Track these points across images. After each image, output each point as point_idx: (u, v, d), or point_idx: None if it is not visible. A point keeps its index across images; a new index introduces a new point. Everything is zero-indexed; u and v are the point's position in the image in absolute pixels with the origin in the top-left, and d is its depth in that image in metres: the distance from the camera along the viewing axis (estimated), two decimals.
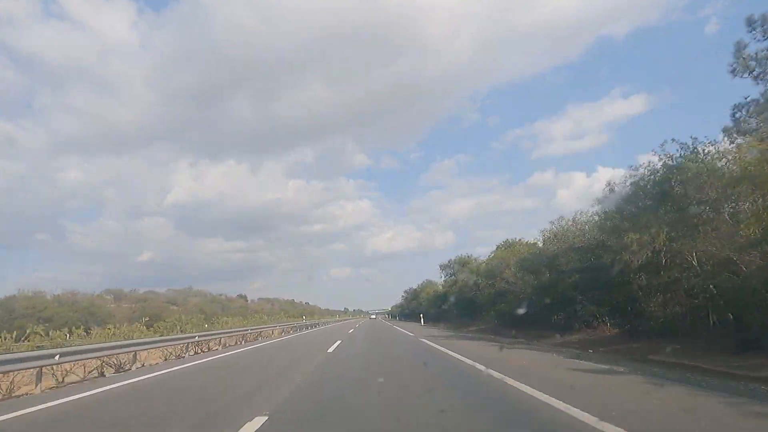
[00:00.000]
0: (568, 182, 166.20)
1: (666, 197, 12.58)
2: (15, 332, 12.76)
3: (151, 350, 14.06)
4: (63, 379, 10.37)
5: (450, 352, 12.20)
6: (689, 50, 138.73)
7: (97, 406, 6.56)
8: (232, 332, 21.56)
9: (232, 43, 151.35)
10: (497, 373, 7.73)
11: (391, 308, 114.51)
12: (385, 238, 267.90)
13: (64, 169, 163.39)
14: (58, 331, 13.77)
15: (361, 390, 6.95)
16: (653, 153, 13.42)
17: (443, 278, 49.68)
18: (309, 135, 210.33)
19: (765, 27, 12.57)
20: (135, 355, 12.05)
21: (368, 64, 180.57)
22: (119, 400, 7.00)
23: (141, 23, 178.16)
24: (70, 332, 14.46)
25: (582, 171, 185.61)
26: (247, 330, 24.23)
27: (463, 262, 44.02)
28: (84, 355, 9.98)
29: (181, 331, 18.67)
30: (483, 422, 4.82)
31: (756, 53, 12.89)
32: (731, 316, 11.10)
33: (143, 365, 12.94)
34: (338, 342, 18.31)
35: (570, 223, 21.46)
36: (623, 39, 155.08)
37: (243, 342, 22.36)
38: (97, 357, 10.92)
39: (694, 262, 12.13)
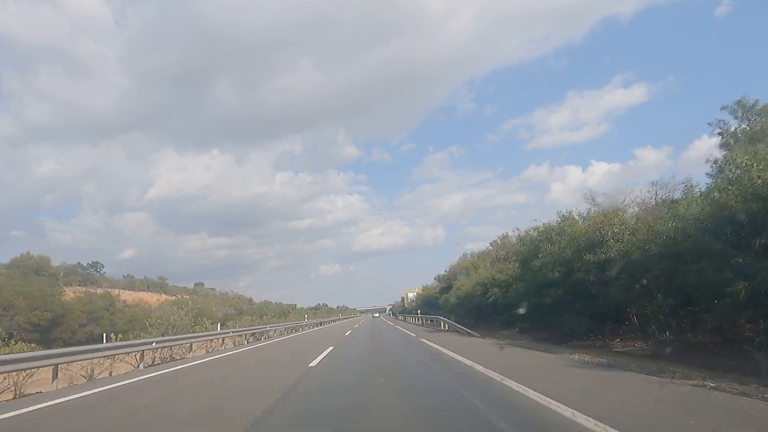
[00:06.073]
0: (563, 176, 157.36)
1: None
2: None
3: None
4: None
5: None
6: (697, 34, 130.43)
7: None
8: None
9: (215, 22, 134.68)
10: None
11: (409, 301, 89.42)
12: (375, 233, 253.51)
13: (38, 161, 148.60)
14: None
15: None
16: None
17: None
18: (297, 124, 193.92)
19: None
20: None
21: (360, 47, 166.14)
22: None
23: None
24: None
25: (578, 164, 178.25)
26: None
27: None
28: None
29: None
30: None
31: None
32: None
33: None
34: None
35: None
36: (629, 20, 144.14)
37: None
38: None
39: None
